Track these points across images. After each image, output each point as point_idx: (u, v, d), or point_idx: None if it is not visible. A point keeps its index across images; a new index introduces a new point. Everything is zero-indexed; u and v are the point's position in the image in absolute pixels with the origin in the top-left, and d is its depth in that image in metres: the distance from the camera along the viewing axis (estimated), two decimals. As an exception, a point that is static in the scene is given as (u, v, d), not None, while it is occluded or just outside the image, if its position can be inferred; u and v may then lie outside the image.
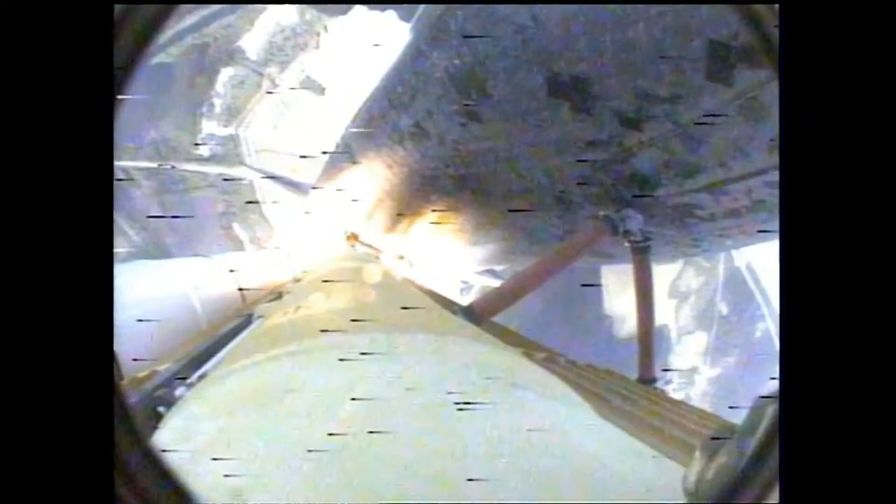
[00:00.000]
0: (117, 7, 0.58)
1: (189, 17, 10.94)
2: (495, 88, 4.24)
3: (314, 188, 11.41)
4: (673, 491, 0.71)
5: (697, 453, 0.67)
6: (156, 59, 10.70)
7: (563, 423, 1.15)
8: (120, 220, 11.45)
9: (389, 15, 11.30)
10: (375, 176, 7.29)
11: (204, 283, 4.80)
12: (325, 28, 11.64)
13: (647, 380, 5.14)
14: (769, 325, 15.40)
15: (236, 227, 12.12)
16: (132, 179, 11.49)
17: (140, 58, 0.60)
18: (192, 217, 11.77)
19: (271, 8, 11.54)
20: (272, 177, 14.00)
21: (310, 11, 11.53)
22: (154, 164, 11.04)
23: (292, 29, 11.68)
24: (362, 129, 7.15)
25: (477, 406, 1.09)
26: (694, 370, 15.83)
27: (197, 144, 11.33)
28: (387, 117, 5.98)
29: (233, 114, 11.63)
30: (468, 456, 0.85)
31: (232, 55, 11.49)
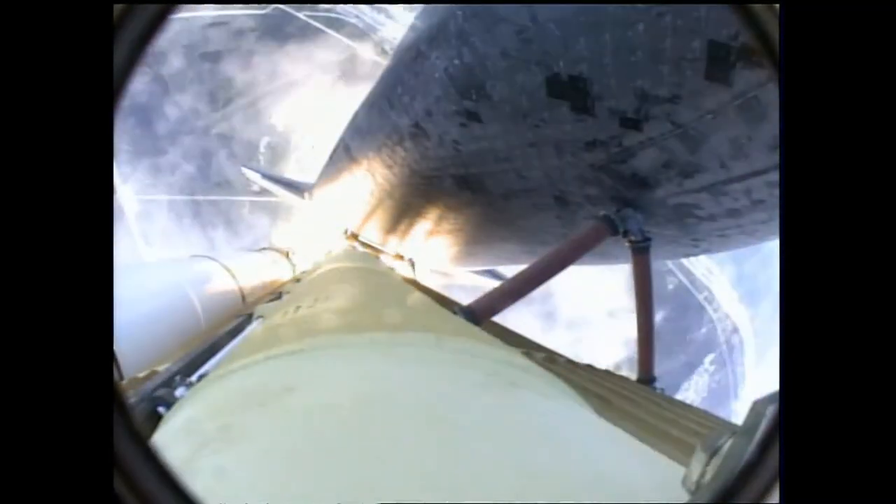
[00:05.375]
0: (117, 7, 0.58)
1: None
2: (495, 88, 4.24)
3: (314, 188, 11.47)
4: (673, 491, 0.71)
5: (697, 453, 0.67)
6: (215, 130, 17.58)
7: (563, 423, 1.15)
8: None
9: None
10: (375, 176, 7.29)
11: (204, 283, 4.80)
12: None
13: (646, 380, 5.14)
14: (681, 279, 17.52)
15: (280, 233, 17.06)
16: (198, 205, 17.52)
17: (140, 58, 0.60)
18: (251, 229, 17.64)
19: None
20: (272, 178, 14.72)
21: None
22: (221, 198, 17.66)
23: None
24: (362, 130, 7.15)
25: (477, 406, 1.09)
26: (612, 314, 17.71)
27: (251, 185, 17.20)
28: (387, 117, 5.98)
29: (273, 164, 17.83)
30: (468, 456, 0.85)
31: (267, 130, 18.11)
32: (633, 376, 5.15)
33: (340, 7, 17.58)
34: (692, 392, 17.79)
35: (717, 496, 0.61)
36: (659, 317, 17.19)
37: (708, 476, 0.65)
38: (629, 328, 18.12)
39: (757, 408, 0.64)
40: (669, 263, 16.78)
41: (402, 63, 5.41)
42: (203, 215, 17.56)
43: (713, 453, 0.65)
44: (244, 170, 16.48)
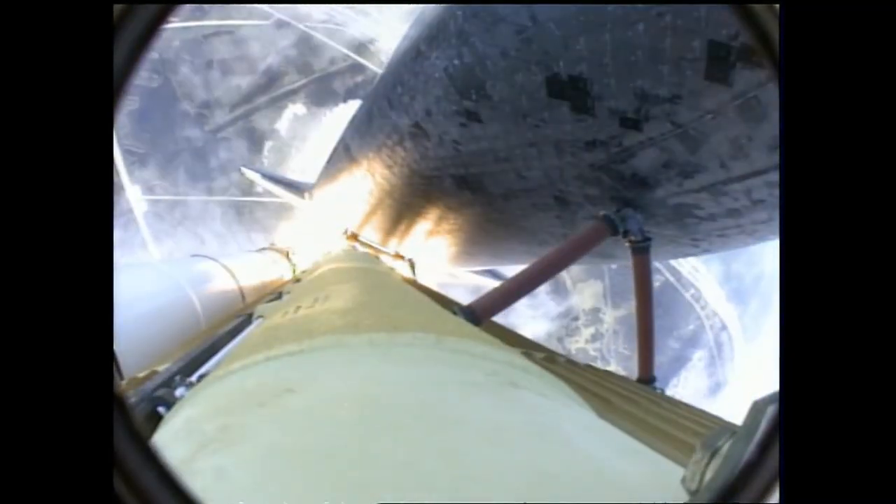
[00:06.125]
0: (117, 7, 0.58)
1: (238, 109, 19.01)
2: (495, 88, 4.24)
3: (314, 188, 11.48)
4: (672, 491, 0.71)
5: (697, 453, 0.67)
6: (221, 134, 18.96)
7: (563, 423, 1.15)
8: (205, 233, 19.17)
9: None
10: (375, 176, 7.29)
11: (204, 283, 4.80)
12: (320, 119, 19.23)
13: (646, 380, 5.14)
14: (667, 277, 18.22)
15: (285, 233, 17.93)
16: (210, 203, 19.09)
17: (140, 58, 0.60)
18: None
19: (290, 105, 19.23)
20: (273, 178, 14.74)
21: (312, 108, 19.33)
22: (229, 198, 19.47)
23: (303, 117, 19.45)
24: (362, 130, 7.15)
25: (477, 406, 1.09)
26: (597, 310, 18.96)
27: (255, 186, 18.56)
28: (387, 117, 5.98)
29: (276, 167, 18.97)
30: (468, 456, 0.85)
31: (271, 134, 19.55)
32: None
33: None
34: (681, 388, 18.12)
35: (717, 496, 0.61)
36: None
37: (708, 476, 0.65)
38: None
39: (757, 407, 0.64)
40: (657, 263, 17.21)
41: (401, 63, 5.41)
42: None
43: (713, 453, 0.65)
44: (244, 170, 16.52)
